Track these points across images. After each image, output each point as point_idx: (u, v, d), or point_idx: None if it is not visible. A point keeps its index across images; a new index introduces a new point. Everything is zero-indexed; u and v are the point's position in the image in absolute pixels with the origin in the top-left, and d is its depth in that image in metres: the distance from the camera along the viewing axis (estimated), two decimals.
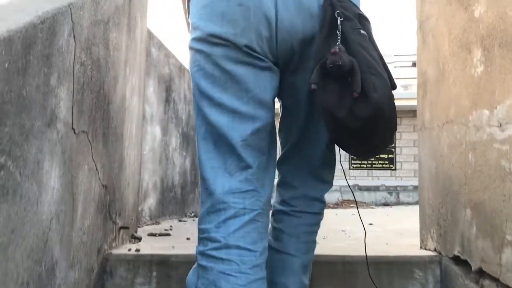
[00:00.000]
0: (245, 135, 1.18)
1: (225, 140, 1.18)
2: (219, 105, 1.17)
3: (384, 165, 13.28)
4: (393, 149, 13.09)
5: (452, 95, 1.65)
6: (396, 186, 6.28)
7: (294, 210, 1.36)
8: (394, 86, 1.12)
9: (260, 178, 1.21)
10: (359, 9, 1.21)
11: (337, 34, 1.11)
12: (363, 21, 1.17)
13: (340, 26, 1.11)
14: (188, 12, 1.28)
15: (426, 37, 1.96)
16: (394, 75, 1.18)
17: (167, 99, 3.77)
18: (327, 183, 1.39)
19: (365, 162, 13.37)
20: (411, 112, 12.31)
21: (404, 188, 6.07)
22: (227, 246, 1.14)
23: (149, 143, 3.33)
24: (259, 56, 1.17)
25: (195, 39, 1.20)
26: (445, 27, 1.73)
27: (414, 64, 10.09)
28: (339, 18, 1.12)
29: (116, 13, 1.82)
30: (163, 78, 3.67)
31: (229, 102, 1.17)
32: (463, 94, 1.55)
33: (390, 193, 5.99)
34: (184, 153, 4.25)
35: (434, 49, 1.86)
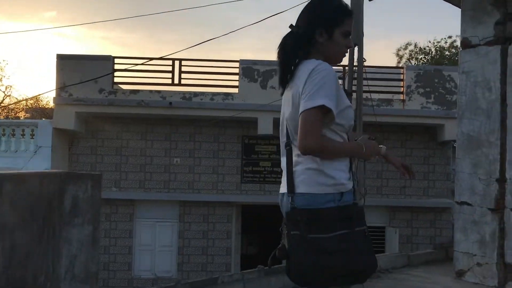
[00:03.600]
0: None
1: None
2: None
3: (277, 179, 12.42)
4: None
5: None
6: None
7: None
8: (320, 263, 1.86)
9: None
10: (298, 213, 1.91)
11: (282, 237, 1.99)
12: (301, 224, 1.90)
13: (284, 233, 1.98)
14: None
15: None
16: None
17: None
18: None
19: (258, 175, 12.50)
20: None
21: None
22: None
23: None
24: None
25: None
26: None
27: None
28: (282, 229, 2.01)
29: None
30: None
31: None
32: None
33: None
34: None
35: None
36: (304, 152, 1.90)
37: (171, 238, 12.51)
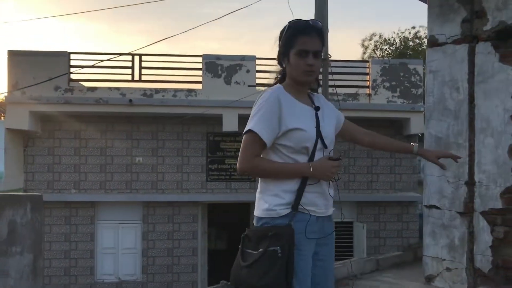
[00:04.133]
0: None
1: None
2: None
3: (243, 177, 11.95)
4: None
5: None
6: None
7: None
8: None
9: None
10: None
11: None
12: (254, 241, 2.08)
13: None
14: None
15: None
16: None
17: None
18: None
19: (224, 173, 12.10)
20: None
21: None
22: None
23: None
24: None
25: None
26: None
27: None
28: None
29: None
30: None
31: None
32: None
33: None
34: None
35: None
36: (238, 172, 2.13)
37: (135, 240, 12.09)
